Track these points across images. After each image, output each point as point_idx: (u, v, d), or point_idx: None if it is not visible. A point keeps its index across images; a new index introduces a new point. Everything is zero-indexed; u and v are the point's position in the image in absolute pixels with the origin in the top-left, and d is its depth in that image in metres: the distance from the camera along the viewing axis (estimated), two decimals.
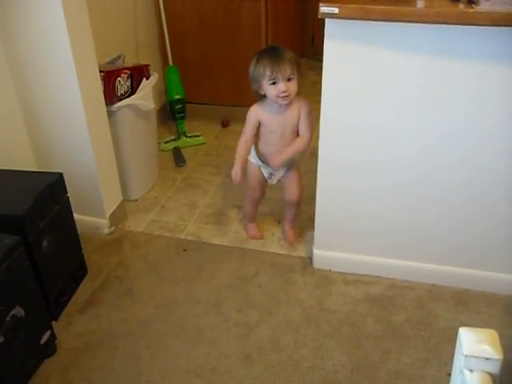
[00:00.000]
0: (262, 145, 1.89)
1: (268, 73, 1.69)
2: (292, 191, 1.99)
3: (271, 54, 1.72)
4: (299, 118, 1.82)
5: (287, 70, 1.69)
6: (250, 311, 1.76)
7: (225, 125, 3.02)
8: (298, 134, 1.85)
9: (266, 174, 1.96)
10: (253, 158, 1.94)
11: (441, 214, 1.71)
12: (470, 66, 1.45)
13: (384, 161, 1.67)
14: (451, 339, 1.61)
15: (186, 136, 2.83)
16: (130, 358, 1.59)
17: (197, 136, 2.87)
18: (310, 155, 2.46)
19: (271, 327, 1.69)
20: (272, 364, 1.57)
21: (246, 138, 1.86)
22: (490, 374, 0.44)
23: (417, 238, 1.79)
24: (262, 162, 1.93)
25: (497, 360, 0.45)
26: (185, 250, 2.05)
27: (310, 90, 3.41)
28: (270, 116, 1.81)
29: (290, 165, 1.94)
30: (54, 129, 1.94)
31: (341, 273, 1.91)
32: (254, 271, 1.94)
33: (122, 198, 2.22)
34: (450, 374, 1.50)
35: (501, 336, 1.65)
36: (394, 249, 1.83)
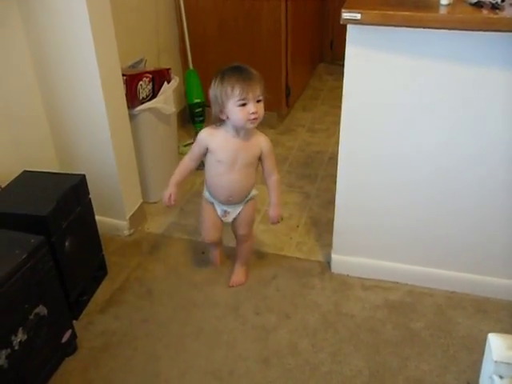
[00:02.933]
0: (209, 176, 1.71)
1: (237, 92, 1.51)
2: (244, 226, 1.81)
3: (239, 72, 1.55)
4: (260, 155, 1.67)
5: (257, 89, 1.54)
6: (268, 314, 1.76)
7: None
8: (250, 172, 1.69)
9: (219, 212, 1.77)
10: (206, 193, 1.77)
11: (461, 219, 1.70)
12: (494, 73, 1.44)
13: (406, 162, 1.66)
14: (471, 347, 1.61)
15: None
16: (149, 358, 1.61)
17: None
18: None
19: (289, 331, 1.70)
20: (289, 368, 1.57)
21: (191, 157, 1.70)
22: None
23: (437, 243, 1.78)
24: (212, 197, 1.75)
25: None
26: (203, 253, 2.07)
27: (328, 95, 3.42)
28: (222, 144, 1.63)
29: (249, 199, 1.77)
30: (76, 130, 1.97)
31: (359, 278, 1.90)
32: (272, 275, 1.94)
33: (141, 201, 2.24)
34: (469, 383, 1.50)
35: None
36: (414, 254, 1.82)
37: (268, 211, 1.80)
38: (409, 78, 1.52)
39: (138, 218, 2.21)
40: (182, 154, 2.74)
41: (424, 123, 1.58)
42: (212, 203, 1.76)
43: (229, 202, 1.73)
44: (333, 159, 2.63)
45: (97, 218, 1.90)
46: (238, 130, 1.61)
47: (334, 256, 1.92)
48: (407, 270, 1.85)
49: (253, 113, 1.54)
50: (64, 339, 1.58)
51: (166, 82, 2.28)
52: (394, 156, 1.66)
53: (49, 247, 1.49)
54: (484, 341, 1.66)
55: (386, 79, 1.54)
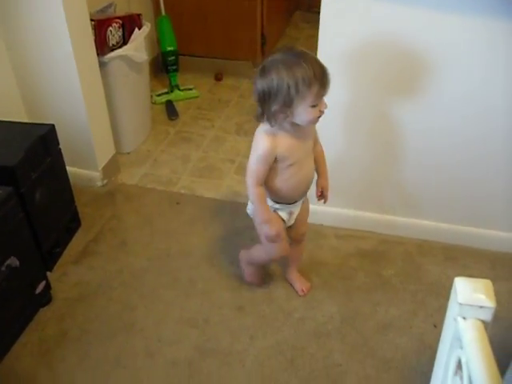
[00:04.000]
0: (279, 181, 1.39)
1: (315, 92, 1.20)
2: (305, 223, 1.60)
3: (311, 65, 1.20)
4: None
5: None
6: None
7: (218, 78, 2.97)
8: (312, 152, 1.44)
9: (285, 217, 1.49)
10: (269, 201, 1.46)
11: (434, 171, 1.72)
12: (478, 19, 1.42)
13: (382, 111, 1.65)
14: (438, 293, 1.66)
15: (179, 89, 2.79)
16: (125, 308, 1.62)
17: (190, 89, 2.82)
18: None
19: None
20: (264, 315, 1.61)
21: (260, 180, 1.36)
22: (482, 321, 0.46)
23: (409, 194, 1.80)
24: (279, 203, 1.46)
25: (490, 308, 0.46)
26: (178, 203, 2.06)
27: (304, 44, 3.35)
28: (290, 147, 1.32)
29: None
30: (44, 79, 1.90)
31: (333, 227, 1.93)
32: (247, 225, 1.94)
33: (114, 151, 2.20)
34: (436, 326, 1.56)
35: None
36: (387, 205, 1.85)
37: (318, 182, 1.54)
38: (387, 23, 1.49)
39: (111, 168, 2.18)
40: (155, 104, 2.69)
41: (398, 70, 1.56)
42: (274, 211, 1.47)
43: (301, 197, 1.49)
44: None
45: (69, 169, 1.87)
46: (296, 126, 1.31)
47: (311, 206, 1.93)
48: (380, 220, 1.88)
49: (322, 111, 1.27)
50: (38, 290, 1.57)
51: (136, 29, 2.20)
52: (372, 105, 1.65)
53: (18, 198, 1.46)
54: (451, 286, 1.72)
55: (362, 25, 1.51)
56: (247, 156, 2.31)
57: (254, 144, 1.36)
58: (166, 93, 2.78)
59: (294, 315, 1.61)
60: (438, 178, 1.74)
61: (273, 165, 1.35)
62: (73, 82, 1.86)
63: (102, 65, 2.03)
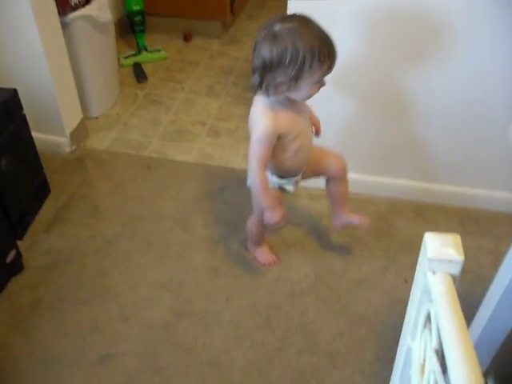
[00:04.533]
0: (285, 158, 1.36)
1: (326, 68, 1.17)
2: (329, 156, 1.50)
3: (323, 39, 1.15)
4: None
5: None
6: (216, 226, 1.78)
7: (187, 39, 2.90)
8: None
9: (291, 188, 1.47)
10: (273, 178, 1.45)
11: (404, 129, 1.73)
12: None
13: (354, 68, 1.62)
14: (409, 249, 1.70)
15: (147, 50, 2.72)
16: (98, 275, 1.61)
17: (158, 51, 2.75)
18: None
19: (237, 241, 1.73)
20: (239, 275, 1.62)
21: (264, 167, 1.31)
22: (451, 275, 0.46)
23: (381, 152, 1.81)
24: (283, 177, 1.44)
25: (459, 262, 0.47)
26: (149, 168, 2.03)
27: (275, 3, 3.28)
28: (291, 122, 1.29)
29: None
30: (2, 42, 1.82)
31: (306, 188, 1.93)
32: (220, 187, 1.95)
33: (82, 116, 2.14)
34: (407, 281, 1.60)
35: None
36: (359, 164, 1.85)
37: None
38: None
39: (79, 134, 2.12)
40: (122, 67, 2.62)
41: (409, 33, 1.52)
42: (278, 187, 1.46)
43: (305, 165, 1.45)
44: None
45: (35, 135, 1.81)
46: (293, 100, 1.27)
47: None
48: (352, 179, 1.88)
49: (322, 86, 1.23)
50: (8, 259, 1.55)
51: None
52: (344, 65, 1.62)
53: None
54: (421, 243, 1.75)
55: None
56: (219, 118, 2.31)
57: (254, 124, 1.29)
58: (134, 55, 2.70)
59: (269, 275, 1.62)
60: (409, 138, 1.74)
61: (277, 142, 1.29)
62: (34, 43, 1.79)
63: (64, 26, 1.95)
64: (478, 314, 1.11)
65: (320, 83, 1.21)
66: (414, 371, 0.51)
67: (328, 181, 1.54)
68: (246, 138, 2.18)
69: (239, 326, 1.48)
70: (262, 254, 1.66)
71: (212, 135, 2.20)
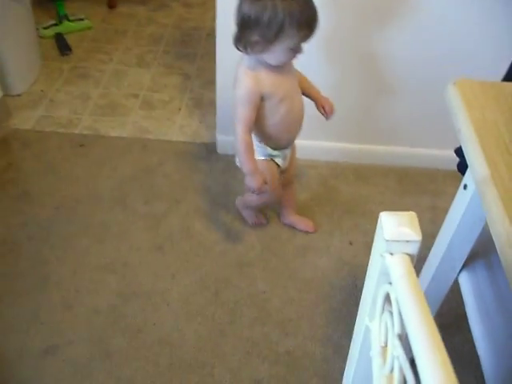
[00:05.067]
0: (272, 124, 1.33)
1: (303, 35, 1.16)
2: (294, 164, 1.54)
3: (306, 3, 1.13)
4: None
5: None
6: (157, 202, 1.73)
7: (111, 5, 2.74)
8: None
9: (281, 162, 1.44)
10: (260, 154, 1.39)
11: (343, 93, 1.72)
12: None
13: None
14: (352, 211, 1.72)
15: (69, 20, 2.55)
16: (36, 262, 1.53)
17: (81, 19, 2.59)
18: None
19: (180, 216, 1.69)
20: (184, 251, 1.59)
21: (248, 128, 1.28)
22: (409, 254, 0.45)
23: (318, 116, 1.80)
24: (275, 149, 1.41)
25: (417, 242, 0.45)
26: (82, 146, 1.93)
27: None
28: (275, 82, 1.25)
29: None
30: None
31: None
32: (158, 161, 1.88)
33: (2, 94, 2.00)
34: (351, 243, 1.62)
35: (396, 204, 1.77)
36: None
37: (320, 106, 1.43)
38: None
39: (1, 113, 1.98)
40: (42, 38, 2.45)
41: None
42: (269, 159, 1.42)
43: (296, 136, 1.43)
44: (211, 35, 2.50)
45: None
46: None
47: (219, 136, 1.89)
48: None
49: (297, 55, 1.22)
50: None
51: None
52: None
53: None
54: (363, 204, 1.77)
55: None
56: (152, 89, 2.22)
57: (236, 85, 1.26)
58: (55, 25, 2.53)
59: (214, 249, 1.60)
60: (348, 102, 1.74)
61: (263, 104, 1.27)
62: None
63: None
64: (422, 271, 1.14)
65: (295, 50, 1.19)
66: (375, 353, 0.51)
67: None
68: (182, 108, 2.12)
69: (188, 302, 1.46)
70: (251, 217, 1.66)
71: (146, 108, 2.11)
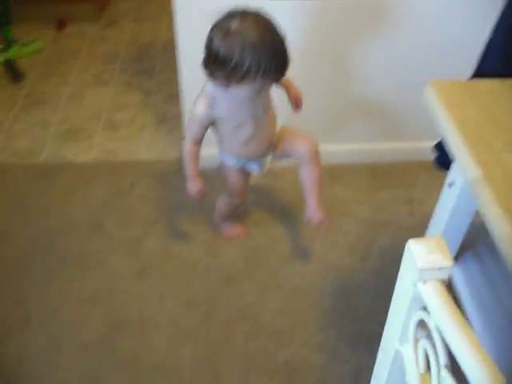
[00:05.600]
0: (234, 142, 1.35)
1: (268, 82, 1.17)
2: (298, 139, 1.41)
3: (275, 51, 1.11)
4: None
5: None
6: (134, 225, 1.69)
7: (61, 26, 2.67)
8: (271, 103, 1.35)
9: (257, 170, 1.44)
10: (230, 160, 1.42)
11: (316, 94, 1.72)
12: None
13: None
14: (330, 213, 1.72)
15: (18, 44, 2.46)
16: (15, 303, 1.47)
17: (31, 42, 2.51)
18: None
19: (159, 237, 1.66)
20: (168, 273, 1.56)
21: (194, 140, 1.32)
22: (441, 280, 0.45)
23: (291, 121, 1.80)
24: (245, 160, 1.42)
25: (449, 268, 0.45)
26: (47, 175, 1.87)
27: None
28: (229, 106, 1.25)
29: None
30: None
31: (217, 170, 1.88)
32: (130, 183, 1.84)
33: None
34: (333, 245, 1.62)
35: (372, 200, 1.79)
36: None
37: (289, 95, 1.40)
38: None
39: None
40: None
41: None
42: (241, 166, 1.43)
43: (268, 151, 1.41)
44: (167, 48, 2.47)
45: None
46: None
47: None
48: None
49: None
50: None
51: None
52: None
53: None
54: (339, 203, 1.77)
55: None
56: (113, 109, 2.18)
57: (194, 101, 1.29)
58: (3, 50, 2.44)
59: (198, 267, 1.58)
60: (322, 103, 1.74)
61: (219, 126, 1.31)
62: None
63: None
64: None
65: (259, 91, 1.18)
66: (413, 379, 0.50)
67: (298, 166, 1.45)
68: (147, 125, 2.08)
69: (179, 325, 1.43)
70: (226, 229, 1.66)
71: (109, 129, 2.07)
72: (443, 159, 1.04)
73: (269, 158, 1.46)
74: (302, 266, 1.58)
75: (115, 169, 1.90)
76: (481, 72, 0.93)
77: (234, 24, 1.09)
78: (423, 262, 0.44)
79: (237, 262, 1.59)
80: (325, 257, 1.61)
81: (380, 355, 0.60)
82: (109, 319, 1.44)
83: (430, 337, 0.47)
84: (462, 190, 0.86)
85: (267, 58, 1.08)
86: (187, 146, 1.34)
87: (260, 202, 1.78)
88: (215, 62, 1.12)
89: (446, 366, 0.41)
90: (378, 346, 1.35)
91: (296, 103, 1.42)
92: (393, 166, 1.90)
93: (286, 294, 1.51)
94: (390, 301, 1.44)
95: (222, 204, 1.60)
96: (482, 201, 0.68)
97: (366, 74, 1.69)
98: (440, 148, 1.05)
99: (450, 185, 0.89)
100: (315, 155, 1.41)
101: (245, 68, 1.08)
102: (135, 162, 1.93)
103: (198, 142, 1.33)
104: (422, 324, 0.49)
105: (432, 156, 1.58)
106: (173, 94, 2.21)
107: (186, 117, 1.77)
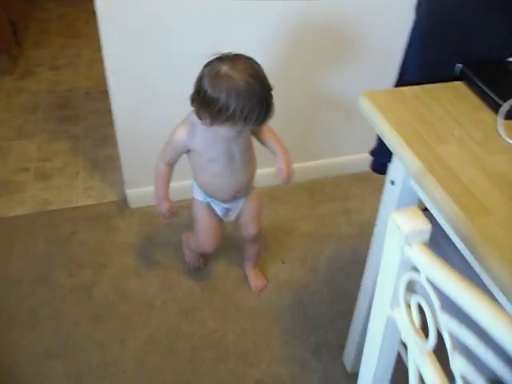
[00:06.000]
0: (202, 176, 1.38)
1: (249, 127, 1.18)
2: (253, 223, 1.50)
3: (260, 99, 1.12)
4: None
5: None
6: (82, 272, 1.66)
7: None
8: (251, 153, 1.39)
9: (219, 212, 1.46)
10: (198, 194, 1.43)
11: None
12: None
13: (179, 64, 1.61)
14: (276, 232, 1.78)
15: None
16: None
17: None
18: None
19: (110, 280, 1.63)
20: (125, 314, 1.54)
21: (167, 162, 1.34)
22: (424, 242, 0.51)
23: None
24: (210, 197, 1.43)
25: (428, 230, 0.51)
26: None
27: (58, 25, 3.10)
28: (208, 141, 1.28)
29: (249, 189, 1.47)
30: None
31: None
32: (70, 231, 1.81)
33: None
34: (283, 262, 1.68)
35: (311, 215, 1.87)
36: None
37: (277, 166, 1.37)
38: None
39: None
40: None
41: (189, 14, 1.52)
42: (208, 203, 1.44)
43: (235, 198, 1.42)
44: (90, 94, 2.46)
45: None
46: None
47: (128, 191, 1.86)
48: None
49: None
50: None
51: None
52: (166, 61, 1.60)
53: None
54: (283, 223, 1.83)
55: None
56: (42, 159, 2.14)
57: (179, 123, 1.31)
58: None
59: (155, 303, 1.57)
60: None
61: (192, 156, 1.33)
62: None
63: None
64: (365, 274, 1.22)
65: (241, 131, 1.21)
66: (409, 335, 0.55)
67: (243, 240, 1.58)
68: (80, 171, 2.06)
69: (144, 363, 1.41)
70: (190, 257, 1.66)
71: (41, 179, 2.02)
72: (378, 164, 1.13)
73: (238, 206, 1.46)
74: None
75: (53, 218, 1.86)
76: (402, 81, 1.04)
77: (224, 67, 1.12)
78: (407, 228, 0.50)
79: (193, 292, 1.60)
80: (277, 274, 1.66)
81: (371, 325, 0.65)
82: (71, 370, 1.39)
83: (420, 294, 0.53)
84: (403, 186, 0.95)
85: (252, 105, 1.11)
86: (160, 164, 1.36)
87: None
88: (202, 101, 1.15)
89: (441, 308, 0.47)
90: (341, 351, 1.41)
91: (283, 174, 1.37)
92: (325, 181, 2.01)
93: (245, 316, 1.53)
94: (344, 307, 1.50)
95: (187, 239, 1.61)
96: (427, 188, 0.76)
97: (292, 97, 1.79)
98: (376, 154, 1.14)
99: (393, 182, 0.98)
100: (259, 237, 1.56)
101: (228, 113, 1.12)
102: (73, 209, 1.90)
103: (171, 164, 1.36)
104: (409, 288, 0.55)
105: (362, 168, 1.69)
106: (102, 138, 2.21)
107: (123, 159, 1.78)
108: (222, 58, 1.15)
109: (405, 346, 0.61)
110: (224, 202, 1.43)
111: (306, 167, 1.98)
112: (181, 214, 1.84)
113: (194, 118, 1.22)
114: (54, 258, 1.70)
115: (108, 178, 2.02)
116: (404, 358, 0.89)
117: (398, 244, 0.52)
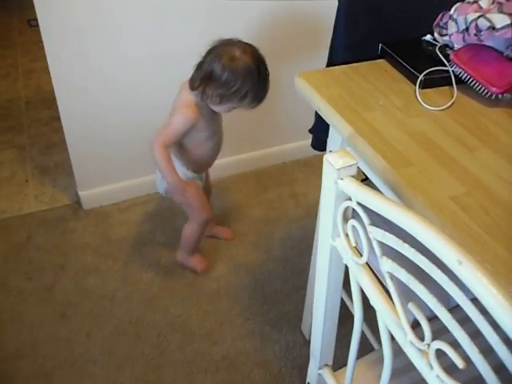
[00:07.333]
0: (200, 152, 1.48)
1: (251, 106, 1.34)
2: (208, 180, 1.72)
3: (266, 83, 1.31)
4: None
5: None
6: (41, 274, 1.68)
7: None
8: None
9: (199, 181, 1.57)
10: (185, 174, 1.50)
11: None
12: None
13: (125, 66, 1.67)
14: (228, 219, 1.85)
15: None
16: None
17: None
18: None
19: (70, 279, 1.67)
20: (89, 309, 1.57)
21: (166, 146, 1.36)
22: (353, 176, 0.60)
23: None
24: (195, 172, 1.53)
25: (356, 164, 0.61)
26: None
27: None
28: (208, 119, 1.40)
29: None
30: None
31: (113, 204, 1.94)
32: (26, 237, 1.82)
33: None
34: (238, 247, 1.74)
35: (262, 201, 1.96)
36: (147, 165, 1.92)
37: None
38: None
39: None
40: None
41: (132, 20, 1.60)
42: (193, 179, 1.54)
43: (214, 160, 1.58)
44: (31, 103, 2.46)
45: None
46: None
47: (81, 193, 1.89)
48: (150, 180, 1.95)
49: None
50: None
51: None
52: (113, 63, 1.66)
53: None
54: (235, 211, 1.92)
55: None
56: None
57: (176, 110, 1.36)
58: None
59: (117, 296, 1.62)
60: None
61: (192, 136, 1.40)
62: None
63: None
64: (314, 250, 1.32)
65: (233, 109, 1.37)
66: (348, 255, 0.64)
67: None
68: (29, 178, 2.07)
69: (113, 353, 1.46)
70: (198, 261, 1.69)
71: None
72: (318, 141, 1.24)
73: (204, 173, 1.62)
74: (215, 272, 1.70)
75: (7, 226, 1.86)
76: (332, 61, 1.15)
77: (237, 52, 1.26)
78: (338, 164, 0.60)
79: (154, 282, 1.66)
80: (233, 259, 1.74)
81: (318, 258, 0.73)
82: (38, 369, 1.42)
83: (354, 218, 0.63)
84: None
85: (261, 88, 1.30)
86: (162, 150, 1.35)
87: (164, 225, 1.86)
88: (213, 83, 1.27)
89: (371, 223, 0.57)
90: (299, 321, 1.51)
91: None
92: (272, 169, 2.11)
93: (207, 299, 1.61)
94: (298, 282, 1.60)
95: (191, 232, 1.62)
96: (359, 149, 0.87)
97: None
98: (314, 130, 1.24)
99: (331, 152, 1.08)
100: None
101: (241, 94, 1.27)
102: (26, 215, 1.91)
103: (168, 146, 1.38)
104: (346, 218, 0.64)
105: (305, 154, 1.81)
106: (49, 145, 2.22)
107: (74, 163, 1.81)
108: (229, 44, 1.28)
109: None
110: (203, 171, 1.58)
111: (252, 156, 2.07)
112: (133, 212, 1.92)
113: (195, 98, 1.34)
114: (11, 263, 1.72)
115: (59, 183, 2.04)
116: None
117: (332, 179, 0.62)
